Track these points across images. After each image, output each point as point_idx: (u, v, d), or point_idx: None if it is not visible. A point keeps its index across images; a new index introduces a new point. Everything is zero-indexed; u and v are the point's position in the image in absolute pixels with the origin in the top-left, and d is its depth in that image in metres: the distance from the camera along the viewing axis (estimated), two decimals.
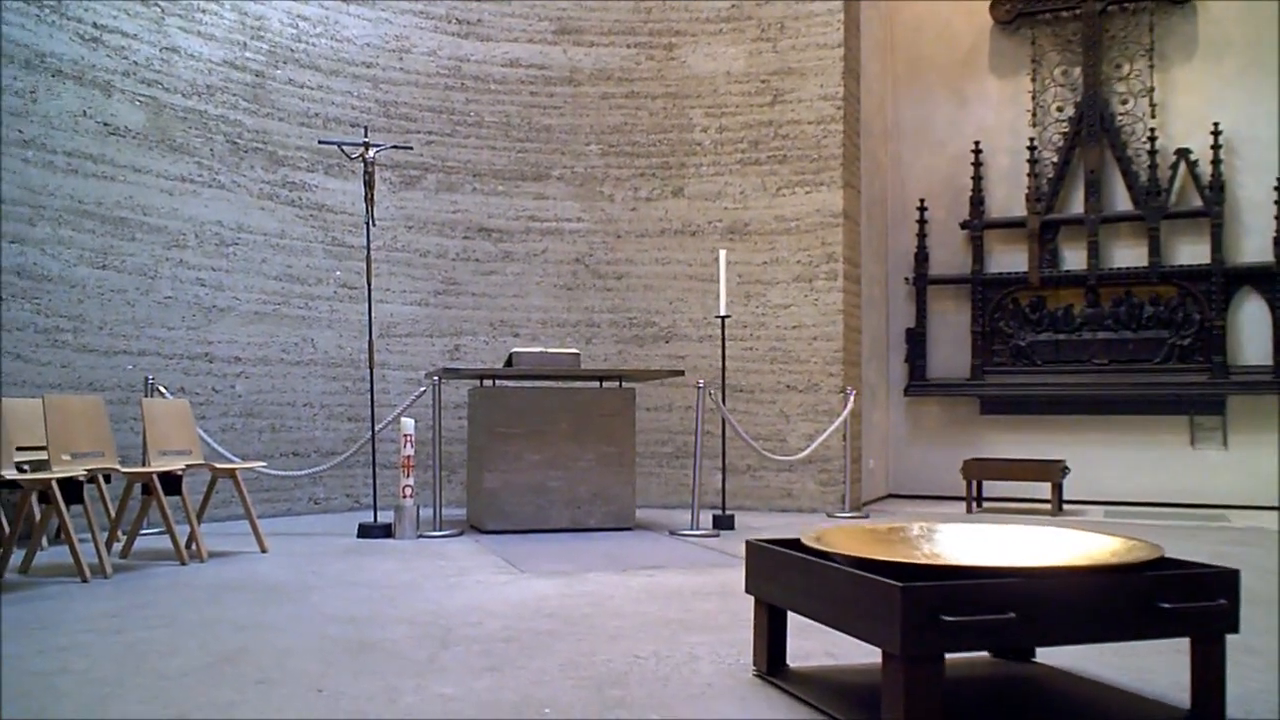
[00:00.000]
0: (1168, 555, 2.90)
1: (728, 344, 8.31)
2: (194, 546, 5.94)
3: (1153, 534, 7.18)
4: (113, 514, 6.21)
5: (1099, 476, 9.72)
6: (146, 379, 7.29)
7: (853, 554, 2.88)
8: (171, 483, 5.81)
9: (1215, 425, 9.55)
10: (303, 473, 7.84)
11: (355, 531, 7.07)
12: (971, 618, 2.50)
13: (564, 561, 5.88)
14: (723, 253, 7.93)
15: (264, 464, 7.02)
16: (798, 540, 3.26)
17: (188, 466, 5.96)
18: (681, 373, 7.73)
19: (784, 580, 3.14)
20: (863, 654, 3.42)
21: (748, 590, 3.36)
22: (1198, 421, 9.61)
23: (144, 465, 5.99)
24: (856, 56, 9.42)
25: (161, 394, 7.27)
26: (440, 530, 7.05)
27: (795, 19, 9.17)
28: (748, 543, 3.39)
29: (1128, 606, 2.68)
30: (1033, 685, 3.20)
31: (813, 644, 3.63)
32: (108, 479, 6.22)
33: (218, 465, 6.20)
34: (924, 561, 2.93)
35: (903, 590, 2.48)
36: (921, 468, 10.56)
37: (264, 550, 6.24)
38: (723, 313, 7.81)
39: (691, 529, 7.19)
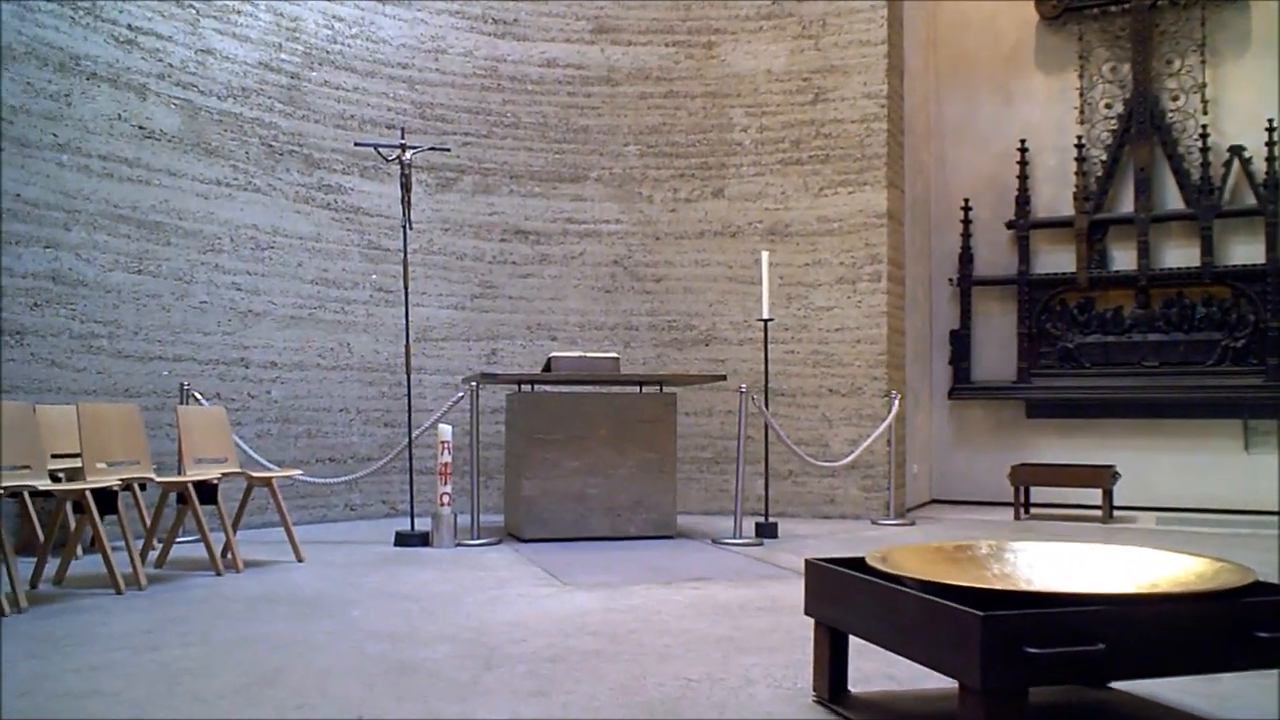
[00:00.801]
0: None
1: (769, 347, 8.13)
2: (229, 556, 5.84)
3: (1209, 543, 6.95)
4: (148, 522, 6.13)
5: (1149, 482, 9.46)
6: (182, 385, 7.21)
7: (924, 577, 2.71)
8: (207, 491, 5.72)
9: (1270, 429, 9.27)
10: (339, 480, 7.74)
11: (392, 540, 6.96)
12: (1057, 649, 2.33)
13: (606, 573, 5.73)
14: (765, 254, 7.75)
15: (300, 471, 6.91)
16: (860, 560, 3.10)
17: (223, 475, 5.86)
18: (724, 377, 7.56)
19: (848, 603, 2.97)
20: (925, 677, 3.26)
21: (808, 612, 3.19)
22: (1252, 425, 9.34)
23: (179, 473, 5.90)
24: (900, 53, 9.22)
25: (197, 400, 7.19)
26: (478, 539, 6.92)
27: (837, 15, 8.98)
28: (807, 562, 3.22)
29: (1222, 636, 2.50)
30: (1111, 713, 3.02)
31: (871, 665, 3.46)
32: (143, 487, 6.14)
33: (254, 474, 6.10)
34: (1001, 586, 2.76)
35: (984, 620, 2.32)
36: (966, 472, 10.34)
37: (300, 560, 6.14)
38: (765, 316, 7.63)
39: (735, 538, 7.03)
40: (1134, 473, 9.24)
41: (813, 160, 8.99)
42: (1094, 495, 8.93)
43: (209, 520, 5.85)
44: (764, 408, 7.50)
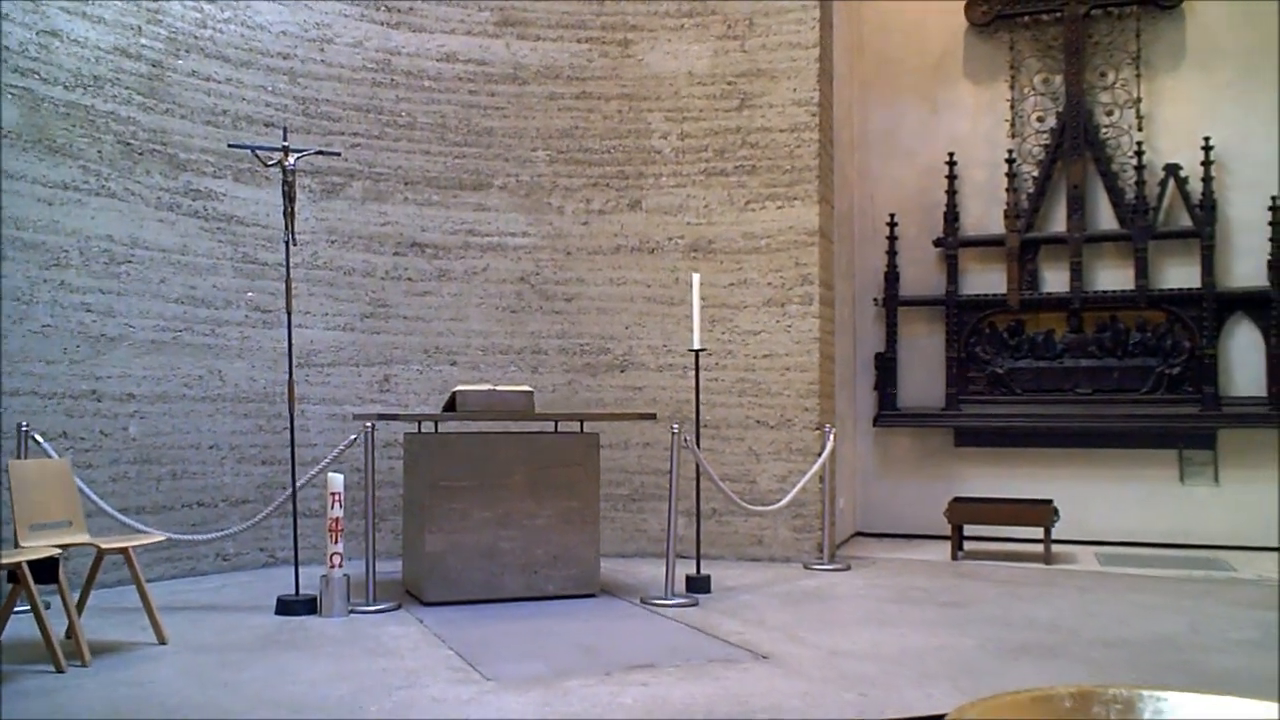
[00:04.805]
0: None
1: (690, 374, 7.37)
2: (74, 640, 4.83)
3: (1163, 589, 6.47)
4: None
5: (1084, 514, 8.98)
6: (19, 425, 6.11)
7: None
8: (46, 567, 4.70)
9: (1206, 460, 8.91)
10: (211, 537, 6.71)
11: (273, 605, 5.99)
12: None
13: (533, 657, 4.89)
14: (695, 276, 7.02)
15: (163, 535, 5.85)
16: None
17: (66, 547, 4.84)
18: (653, 416, 6.82)
19: None
20: None
21: None
22: (1187, 456, 8.96)
23: (14, 544, 4.87)
24: (830, 58, 8.56)
25: (37, 442, 6.10)
26: (374, 604, 6.01)
27: (765, 15, 8.28)
28: None
29: None
30: None
31: None
32: None
33: (104, 545, 5.07)
34: None
35: None
36: (891, 503, 9.75)
37: (163, 641, 5.15)
38: (696, 346, 6.89)
39: (666, 597, 6.26)
40: (1068, 504, 8.72)
41: (738, 171, 8.28)
42: (1030, 530, 8.43)
43: (48, 596, 4.83)
44: (697, 449, 6.75)
